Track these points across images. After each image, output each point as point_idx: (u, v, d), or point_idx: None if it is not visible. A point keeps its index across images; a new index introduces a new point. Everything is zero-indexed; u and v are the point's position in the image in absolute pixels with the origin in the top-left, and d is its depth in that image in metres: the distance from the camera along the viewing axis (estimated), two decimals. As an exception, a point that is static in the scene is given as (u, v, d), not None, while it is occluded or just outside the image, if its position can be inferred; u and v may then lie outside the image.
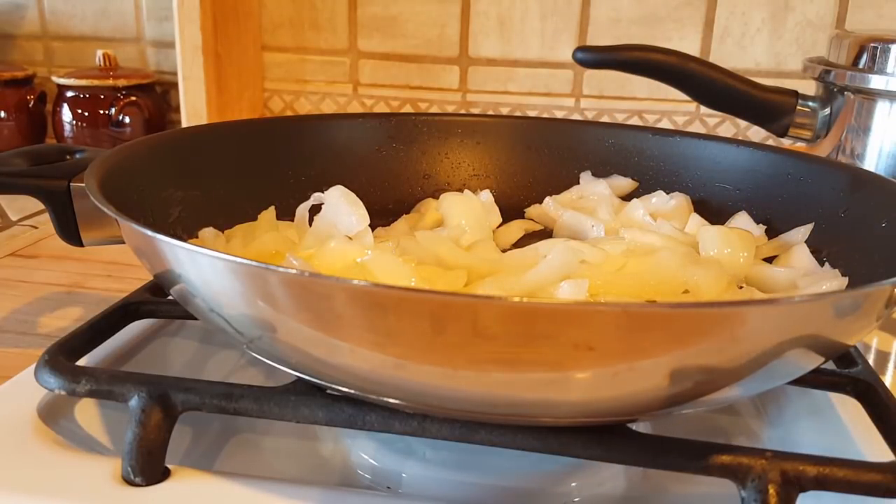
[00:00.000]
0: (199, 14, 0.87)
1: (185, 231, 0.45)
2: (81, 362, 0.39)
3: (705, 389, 0.30)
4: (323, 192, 0.49)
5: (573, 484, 0.37)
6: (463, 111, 1.00)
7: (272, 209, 0.47)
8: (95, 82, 0.95)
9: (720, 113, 0.68)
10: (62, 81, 0.96)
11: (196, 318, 0.36)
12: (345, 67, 1.02)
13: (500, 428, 0.33)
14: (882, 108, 0.58)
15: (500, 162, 0.59)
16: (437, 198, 0.55)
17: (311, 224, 0.48)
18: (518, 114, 0.98)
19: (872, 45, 0.58)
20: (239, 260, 0.28)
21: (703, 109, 0.94)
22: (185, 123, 0.92)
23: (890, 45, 0.57)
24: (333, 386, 0.33)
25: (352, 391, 0.33)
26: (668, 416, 0.42)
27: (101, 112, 0.96)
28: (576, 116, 0.97)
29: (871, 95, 0.58)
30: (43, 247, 0.70)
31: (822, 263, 0.44)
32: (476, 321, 0.26)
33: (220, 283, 0.30)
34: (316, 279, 0.27)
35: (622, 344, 0.26)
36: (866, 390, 0.40)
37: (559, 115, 0.98)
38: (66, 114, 0.96)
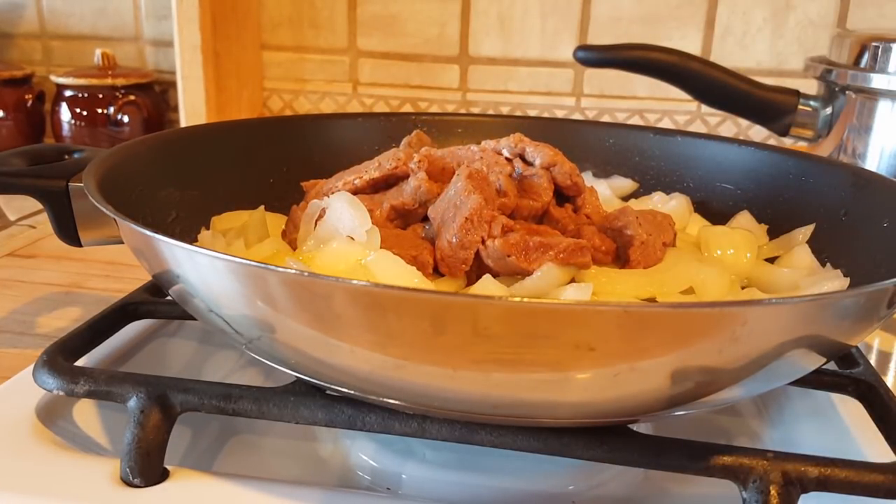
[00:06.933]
0: (198, 13, 0.87)
1: (184, 231, 0.44)
2: (80, 363, 0.39)
3: (706, 390, 0.30)
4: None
5: (574, 485, 0.37)
6: (463, 110, 0.99)
7: (261, 209, 0.47)
8: (94, 81, 0.95)
9: (721, 112, 0.68)
10: (60, 81, 0.96)
11: (195, 319, 0.36)
12: (344, 66, 1.02)
13: (500, 429, 0.32)
14: (884, 107, 0.58)
15: (500, 161, 0.59)
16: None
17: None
18: (518, 113, 0.98)
19: (874, 44, 0.58)
20: (238, 260, 0.28)
21: (705, 109, 0.94)
22: (183, 123, 0.92)
23: (891, 45, 0.56)
24: (333, 386, 0.33)
25: (351, 392, 0.32)
26: (669, 416, 0.41)
27: (100, 111, 0.96)
28: (576, 116, 0.97)
29: (873, 95, 0.58)
30: (41, 247, 0.70)
31: (823, 263, 0.44)
32: (476, 321, 0.26)
33: (220, 284, 0.29)
34: (316, 279, 0.27)
35: (623, 344, 0.26)
36: (868, 391, 0.40)
37: (560, 114, 0.98)
38: (65, 113, 0.96)
